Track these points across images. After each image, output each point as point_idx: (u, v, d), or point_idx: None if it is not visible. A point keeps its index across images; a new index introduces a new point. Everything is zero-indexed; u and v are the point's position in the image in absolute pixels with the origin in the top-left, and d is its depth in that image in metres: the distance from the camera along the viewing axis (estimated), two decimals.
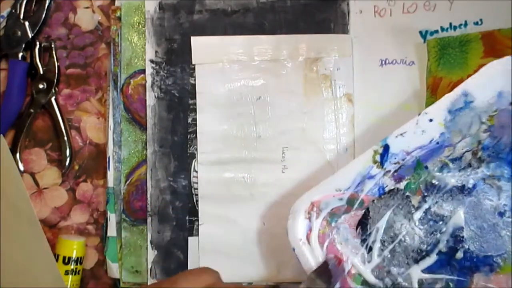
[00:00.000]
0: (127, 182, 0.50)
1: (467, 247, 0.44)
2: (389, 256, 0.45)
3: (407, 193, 0.45)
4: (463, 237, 0.44)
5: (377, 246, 0.45)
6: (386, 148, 0.44)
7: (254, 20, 0.50)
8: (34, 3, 0.51)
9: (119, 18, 0.50)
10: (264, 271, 0.48)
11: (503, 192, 0.45)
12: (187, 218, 0.49)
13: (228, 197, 0.49)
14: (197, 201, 0.49)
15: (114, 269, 0.49)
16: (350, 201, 0.44)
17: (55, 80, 0.51)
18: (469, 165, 0.45)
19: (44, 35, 0.52)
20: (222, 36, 0.50)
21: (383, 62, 0.49)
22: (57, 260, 0.48)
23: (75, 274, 0.49)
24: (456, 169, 0.45)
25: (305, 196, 0.44)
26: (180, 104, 0.50)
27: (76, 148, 0.51)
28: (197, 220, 0.49)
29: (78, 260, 0.49)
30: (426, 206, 0.45)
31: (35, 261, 0.48)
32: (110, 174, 0.50)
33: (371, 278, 0.44)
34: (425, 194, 0.45)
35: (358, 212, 0.45)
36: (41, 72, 0.51)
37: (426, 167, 0.45)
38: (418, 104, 0.48)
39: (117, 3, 0.51)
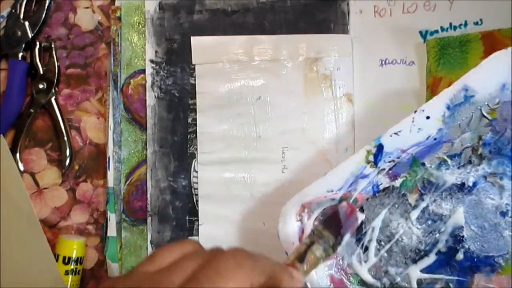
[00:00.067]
0: (127, 182, 0.50)
1: (467, 247, 0.44)
2: (386, 255, 0.44)
3: (403, 191, 0.44)
4: (463, 236, 0.44)
5: (373, 245, 0.44)
6: (380, 147, 0.42)
7: (254, 20, 0.50)
8: (34, 3, 0.51)
9: (119, 18, 0.50)
10: None
11: (505, 191, 0.44)
12: (187, 218, 0.49)
13: (228, 197, 0.49)
14: (197, 201, 0.49)
15: (114, 269, 0.49)
16: (343, 200, 0.43)
17: (55, 80, 0.51)
18: (469, 162, 0.44)
19: (44, 35, 0.52)
20: (222, 36, 0.50)
21: (383, 62, 0.49)
22: (57, 260, 0.48)
23: (75, 274, 0.49)
24: (455, 166, 0.44)
25: (295, 198, 0.42)
26: (180, 104, 0.50)
27: (76, 148, 0.51)
28: (197, 220, 0.49)
29: (78, 260, 0.49)
30: (423, 204, 0.44)
31: (35, 261, 0.48)
32: (110, 174, 0.50)
33: (368, 278, 0.44)
34: (422, 192, 0.45)
35: None
36: (41, 72, 0.51)
37: (423, 164, 0.44)
38: (418, 104, 0.48)
39: (117, 3, 0.51)
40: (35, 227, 0.48)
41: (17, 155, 0.50)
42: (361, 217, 0.41)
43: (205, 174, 0.49)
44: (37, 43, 0.51)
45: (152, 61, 0.50)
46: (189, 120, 0.50)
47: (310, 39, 0.49)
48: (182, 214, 0.49)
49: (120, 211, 0.49)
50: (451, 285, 0.44)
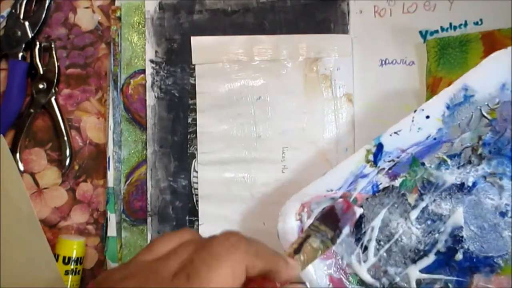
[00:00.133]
0: (127, 182, 0.50)
1: (466, 247, 0.44)
2: (385, 255, 0.44)
3: (403, 191, 0.44)
4: (462, 237, 0.44)
5: (372, 245, 0.44)
6: (379, 147, 0.42)
7: (254, 20, 0.50)
8: (34, 3, 0.51)
9: (119, 18, 0.50)
10: None
11: (505, 191, 0.44)
12: (187, 218, 0.49)
13: (228, 197, 0.49)
14: (197, 201, 0.49)
15: None
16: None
17: (55, 80, 0.51)
18: (469, 162, 0.44)
19: (44, 35, 0.52)
20: (222, 36, 0.50)
21: (383, 62, 0.49)
22: (57, 260, 0.48)
23: (75, 274, 0.49)
24: (455, 166, 0.44)
25: (295, 198, 0.42)
26: (180, 104, 0.50)
27: (76, 148, 0.51)
28: (197, 220, 0.49)
29: (78, 260, 0.49)
30: (423, 204, 0.44)
31: (35, 261, 0.48)
32: (110, 174, 0.50)
33: (368, 278, 0.44)
34: (422, 192, 0.44)
35: None
36: (41, 72, 0.51)
37: (423, 164, 0.44)
38: (418, 104, 0.48)
39: (117, 3, 0.51)
40: (35, 227, 0.49)
41: (17, 155, 0.50)
42: (358, 211, 0.41)
43: (205, 174, 0.49)
44: (37, 43, 0.51)
45: (152, 61, 0.50)
46: (189, 120, 0.50)
47: (310, 39, 0.49)
48: (182, 214, 0.49)
49: (120, 211, 0.49)
50: (450, 285, 0.44)
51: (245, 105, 0.49)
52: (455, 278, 0.44)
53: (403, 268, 0.44)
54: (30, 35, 0.51)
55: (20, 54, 0.51)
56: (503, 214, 0.44)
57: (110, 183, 0.50)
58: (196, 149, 0.49)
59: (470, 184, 0.44)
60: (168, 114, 0.50)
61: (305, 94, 0.49)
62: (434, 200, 0.44)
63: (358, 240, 0.44)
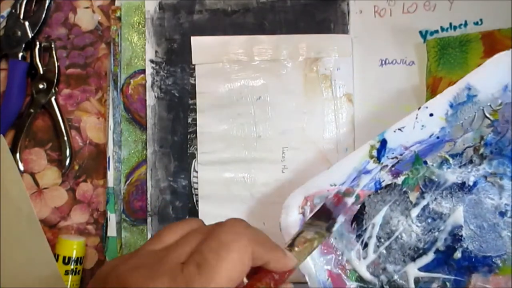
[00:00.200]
0: (127, 182, 0.50)
1: (465, 246, 0.44)
2: (385, 252, 0.45)
3: (405, 189, 0.45)
4: (461, 236, 0.44)
5: (372, 242, 0.44)
6: (383, 143, 0.42)
7: (254, 20, 0.50)
8: (34, 3, 0.51)
9: (119, 18, 0.50)
10: None
11: (505, 191, 0.44)
12: (187, 218, 0.49)
13: (228, 197, 0.49)
14: (197, 201, 0.49)
15: None
16: (346, 196, 0.43)
17: (55, 80, 0.51)
18: (470, 161, 0.44)
19: (44, 35, 0.52)
20: (222, 36, 0.50)
21: (383, 62, 0.49)
22: (57, 260, 0.48)
23: (75, 274, 0.49)
24: (457, 165, 0.44)
25: (298, 191, 0.43)
26: (180, 104, 0.50)
27: (76, 148, 0.51)
28: None
29: (78, 260, 0.49)
30: (424, 202, 0.45)
31: (35, 261, 0.48)
32: (110, 174, 0.50)
33: (366, 275, 0.44)
34: (424, 190, 0.45)
35: (354, 207, 0.44)
36: (41, 72, 0.51)
37: (425, 162, 0.44)
38: (418, 104, 0.48)
39: (117, 3, 0.51)
40: (35, 227, 0.49)
41: (17, 155, 0.50)
42: (350, 200, 0.42)
43: (205, 174, 0.49)
44: (37, 43, 0.51)
45: (152, 61, 0.50)
46: (189, 120, 0.50)
47: (310, 39, 0.49)
48: (182, 214, 0.49)
49: (120, 211, 0.49)
50: (448, 284, 0.44)
51: (245, 105, 0.49)
52: (453, 277, 0.44)
53: (402, 265, 0.44)
54: (30, 35, 0.51)
55: (20, 54, 0.51)
56: (502, 214, 0.44)
57: (110, 183, 0.50)
58: (196, 149, 0.49)
59: (471, 184, 0.44)
60: (168, 114, 0.50)
61: (305, 94, 0.49)
62: (435, 199, 0.45)
63: (358, 236, 0.45)
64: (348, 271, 0.44)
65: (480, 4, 0.48)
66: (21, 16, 0.51)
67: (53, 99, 0.51)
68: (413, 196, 0.45)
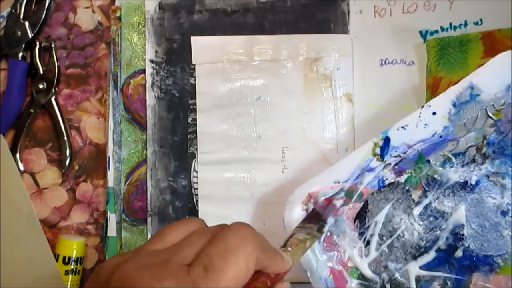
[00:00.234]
0: (127, 182, 0.50)
1: (467, 245, 0.44)
2: (387, 250, 0.45)
3: (408, 187, 0.45)
4: (463, 235, 0.44)
5: (375, 240, 0.45)
6: (386, 140, 0.43)
7: (254, 20, 0.50)
8: (34, 3, 0.51)
9: (119, 18, 0.50)
10: None
11: (507, 190, 0.44)
12: (187, 217, 0.49)
13: (228, 197, 0.49)
14: (197, 201, 0.49)
15: None
16: (349, 194, 0.44)
17: (55, 80, 0.51)
18: (473, 160, 0.44)
19: (44, 35, 0.52)
20: (222, 36, 0.50)
21: (383, 62, 0.49)
22: (57, 260, 0.48)
23: (75, 274, 0.49)
24: (459, 165, 0.45)
25: (303, 187, 0.43)
26: (180, 104, 0.50)
27: (76, 148, 0.51)
28: None
29: (78, 260, 0.49)
30: (426, 201, 0.45)
31: (35, 261, 0.48)
32: (110, 174, 0.50)
33: (368, 273, 0.44)
34: (426, 189, 0.45)
35: (357, 205, 0.44)
36: (41, 72, 0.51)
37: (428, 161, 0.45)
38: (418, 104, 0.48)
39: (117, 3, 0.51)
40: (35, 227, 0.49)
41: (17, 155, 0.50)
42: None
43: (205, 174, 0.49)
44: (37, 43, 0.51)
45: (152, 61, 0.50)
46: (189, 120, 0.50)
47: (310, 39, 0.49)
48: (182, 214, 0.49)
49: (120, 211, 0.49)
50: (449, 283, 0.44)
51: (245, 105, 0.49)
52: (454, 276, 0.44)
53: (404, 264, 0.44)
54: (30, 35, 0.51)
55: (20, 54, 0.51)
56: (504, 213, 0.44)
57: (110, 183, 0.50)
58: (196, 149, 0.49)
59: (473, 183, 0.45)
60: (168, 114, 0.50)
61: (305, 94, 0.49)
62: (438, 197, 0.45)
63: (361, 234, 0.45)
64: (349, 268, 0.44)
65: (480, 4, 0.48)
66: (21, 16, 0.51)
67: (53, 99, 0.51)
68: (415, 194, 0.45)
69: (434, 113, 0.43)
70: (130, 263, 0.29)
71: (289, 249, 0.35)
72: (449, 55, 0.48)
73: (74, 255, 0.48)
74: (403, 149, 0.43)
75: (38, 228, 0.49)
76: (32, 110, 0.50)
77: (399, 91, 0.49)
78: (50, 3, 0.51)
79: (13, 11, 0.51)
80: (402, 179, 0.45)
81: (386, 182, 0.45)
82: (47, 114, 0.51)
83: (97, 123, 0.51)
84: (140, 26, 0.50)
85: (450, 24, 0.49)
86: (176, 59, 0.50)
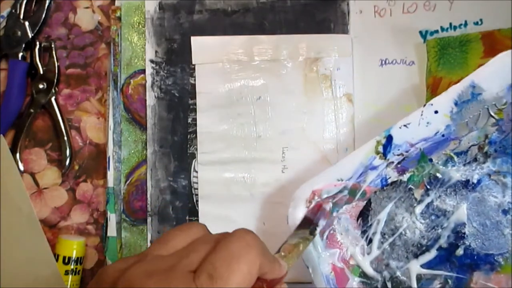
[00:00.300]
0: (127, 182, 0.50)
1: (468, 244, 0.44)
2: (388, 249, 0.45)
3: (410, 186, 0.45)
4: (464, 233, 0.44)
5: (377, 238, 0.45)
6: (389, 138, 0.43)
7: (254, 20, 0.50)
8: (34, 3, 0.51)
9: (119, 18, 0.50)
10: None
11: (508, 189, 0.44)
12: (187, 218, 0.49)
13: (228, 197, 0.49)
14: (197, 201, 0.49)
15: None
16: (352, 192, 0.44)
17: (55, 80, 0.51)
18: (475, 159, 0.45)
19: (44, 35, 0.52)
20: (222, 36, 0.50)
21: (383, 62, 0.49)
22: (57, 260, 0.48)
23: (75, 274, 0.49)
24: (461, 163, 0.45)
25: (306, 185, 0.43)
26: (180, 104, 0.50)
27: (76, 148, 0.51)
28: (197, 220, 0.49)
29: (78, 260, 0.49)
30: (428, 200, 0.45)
31: (35, 261, 0.48)
32: (110, 174, 0.50)
33: (370, 270, 0.44)
34: (428, 187, 0.45)
35: (360, 203, 0.45)
36: (41, 72, 0.51)
37: (431, 160, 0.45)
38: (418, 104, 0.48)
39: (117, 3, 0.51)
40: (35, 227, 0.48)
41: (17, 155, 0.50)
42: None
43: (205, 174, 0.49)
44: (37, 43, 0.51)
45: (152, 61, 0.50)
46: (189, 120, 0.50)
47: (310, 39, 0.49)
48: (182, 214, 0.49)
49: (120, 211, 0.49)
50: (450, 281, 0.44)
51: (245, 105, 0.49)
52: (455, 275, 0.44)
53: (405, 262, 0.44)
54: (30, 35, 0.51)
55: (20, 54, 0.51)
56: (505, 212, 0.44)
57: (110, 183, 0.50)
58: (196, 149, 0.49)
59: (475, 181, 0.45)
60: (168, 114, 0.50)
61: (305, 94, 0.49)
62: (439, 196, 0.45)
63: (363, 232, 0.45)
64: (351, 266, 0.44)
65: (480, 4, 0.48)
66: (21, 16, 0.51)
67: (53, 99, 0.51)
68: (417, 193, 0.45)
69: (436, 112, 0.43)
70: (136, 268, 0.29)
71: (283, 253, 0.35)
72: (449, 55, 0.48)
73: (74, 255, 0.48)
74: (406, 147, 0.43)
75: (38, 228, 0.49)
76: (32, 110, 0.50)
77: (399, 91, 0.49)
78: (50, 3, 0.51)
79: (13, 11, 0.51)
80: (405, 177, 0.45)
81: (389, 181, 0.45)
82: (47, 114, 0.51)
83: (97, 123, 0.51)
84: (140, 26, 0.50)
85: (450, 24, 0.49)
86: (176, 59, 0.50)
